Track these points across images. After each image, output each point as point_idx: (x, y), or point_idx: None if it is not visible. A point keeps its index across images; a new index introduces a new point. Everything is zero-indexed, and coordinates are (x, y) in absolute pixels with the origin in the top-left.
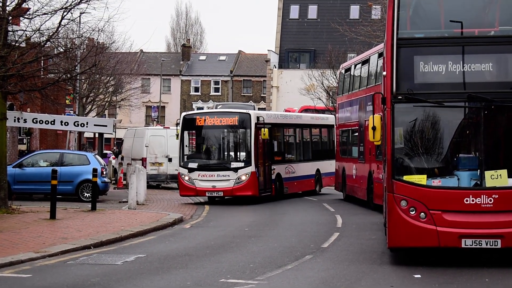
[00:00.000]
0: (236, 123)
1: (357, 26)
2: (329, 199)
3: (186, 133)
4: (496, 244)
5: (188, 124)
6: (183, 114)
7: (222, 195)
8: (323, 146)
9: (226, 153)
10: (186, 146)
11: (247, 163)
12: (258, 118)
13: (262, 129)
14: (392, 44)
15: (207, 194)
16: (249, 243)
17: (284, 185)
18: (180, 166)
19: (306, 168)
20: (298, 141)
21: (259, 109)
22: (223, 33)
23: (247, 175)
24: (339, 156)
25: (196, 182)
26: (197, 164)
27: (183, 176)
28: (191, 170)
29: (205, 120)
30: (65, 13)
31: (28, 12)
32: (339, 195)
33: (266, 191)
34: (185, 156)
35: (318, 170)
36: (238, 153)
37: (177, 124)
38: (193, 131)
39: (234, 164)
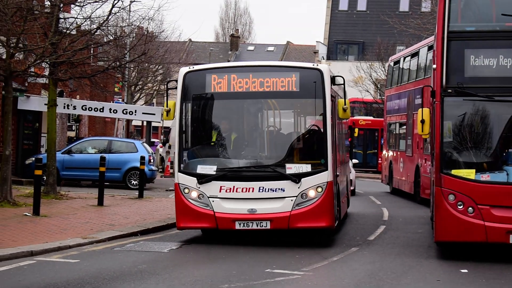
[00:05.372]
0: (295, 88)
1: (406, 19)
2: (376, 192)
3: (189, 107)
4: None
5: (195, 88)
6: (184, 69)
7: (268, 227)
8: None
9: (273, 146)
10: (190, 133)
11: (320, 165)
12: (333, 79)
13: (340, 99)
14: (443, 37)
15: (237, 226)
16: (294, 235)
17: None
18: (179, 171)
19: None
20: None
21: None
22: (271, 23)
23: (321, 189)
24: (386, 149)
25: (215, 203)
26: (215, 167)
27: (186, 190)
28: (204, 178)
29: (229, 80)
30: (115, 1)
31: (79, 0)
32: None
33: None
34: (189, 153)
35: None
36: (300, 147)
37: (166, 93)
38: (204, 104)
39: (292, 168)
